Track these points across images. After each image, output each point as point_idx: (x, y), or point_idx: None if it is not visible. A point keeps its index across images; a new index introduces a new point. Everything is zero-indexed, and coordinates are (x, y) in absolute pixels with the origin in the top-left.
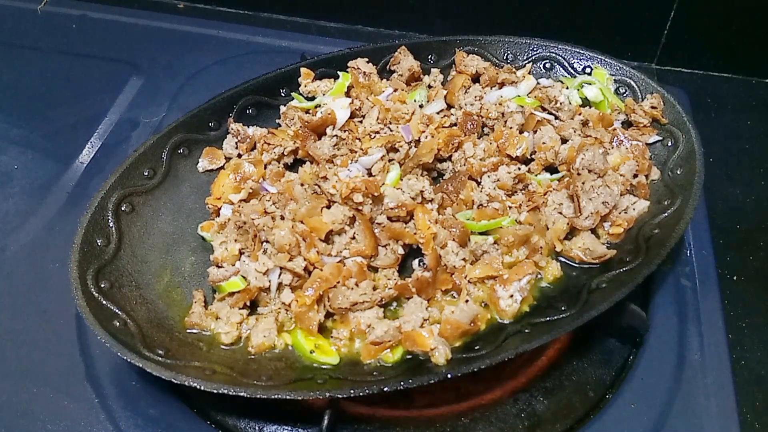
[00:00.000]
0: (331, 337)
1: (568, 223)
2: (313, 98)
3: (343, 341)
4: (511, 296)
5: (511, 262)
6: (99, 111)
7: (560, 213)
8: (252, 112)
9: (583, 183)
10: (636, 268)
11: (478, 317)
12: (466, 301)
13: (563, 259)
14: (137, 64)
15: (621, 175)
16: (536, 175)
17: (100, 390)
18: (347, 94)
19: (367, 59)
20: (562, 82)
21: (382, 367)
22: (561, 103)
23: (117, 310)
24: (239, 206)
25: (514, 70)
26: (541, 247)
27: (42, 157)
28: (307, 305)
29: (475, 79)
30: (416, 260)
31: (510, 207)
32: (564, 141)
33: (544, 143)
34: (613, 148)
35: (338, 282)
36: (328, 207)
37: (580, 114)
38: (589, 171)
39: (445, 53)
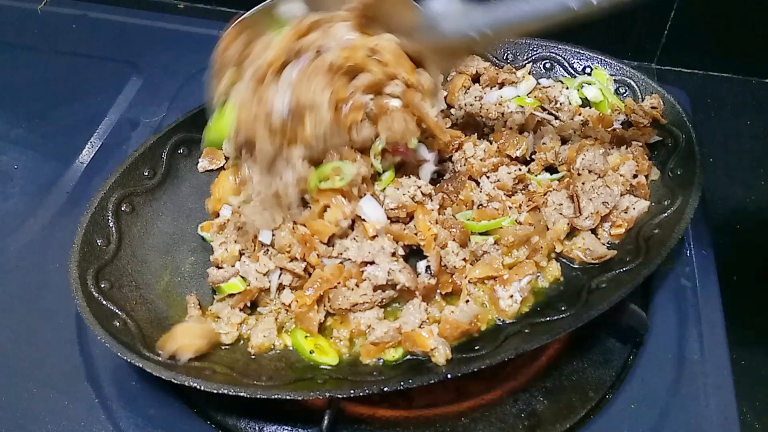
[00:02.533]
0: (332, 337)
1: (568, 224)
2: None
3: (343, 342)
4: (511, 296)
5: (512, 263)
6: (99, 111)
7: (560, 213)
8: None
9: (583, 183)
10: (636, 268)
11: (478, 317)
12: (467, 301)
13: (563, 260)
14: (137, 64)
15: (621, 175)
16: (536, 176)
17: (100, 390)
18: None
19: None
20: (562, 82)
21: (382, 367)
22: (561, 104)
23: (117, 310)
24: (239, 207)
25: (514, 70)
26: (541, 248)
27: (42, 157)
28: (308, 305)
29: (475, 79)
30: (423, 264)
31: (510, 207)
32: (564, 141)
33: (544, 143)
34: (613, 148)
35: (338, 283)
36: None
37: (580, 114)
38: (590, 171)
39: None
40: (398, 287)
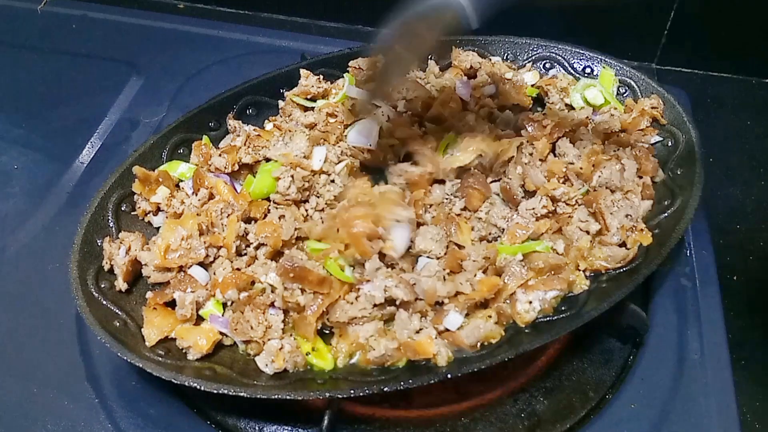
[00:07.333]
0: (330, 345)
1: (590, 240)
2: (314, 100)
3: (342, 354)
4: (530, 302)
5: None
6: (99, 111)
7: (584, 231)
8: (252, 112)
9: (603, 199)
10: (636, 268)
11: (485, 337)
12: (489, 316)
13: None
14: (137, 64)
15: (632, 181)
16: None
17: (100, 390)
18: None
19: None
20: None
21: (382, 367)
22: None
23: (117, 310)
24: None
25: (514, 67)
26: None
27: (42, 157)
28: (308, 319)
29: (471, 75)
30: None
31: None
32: (573, 142)
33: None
34: (618, 149)
35: (339, 296)
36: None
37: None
38: (607, 188)
39: (445, 53)
40: (398, 302)
